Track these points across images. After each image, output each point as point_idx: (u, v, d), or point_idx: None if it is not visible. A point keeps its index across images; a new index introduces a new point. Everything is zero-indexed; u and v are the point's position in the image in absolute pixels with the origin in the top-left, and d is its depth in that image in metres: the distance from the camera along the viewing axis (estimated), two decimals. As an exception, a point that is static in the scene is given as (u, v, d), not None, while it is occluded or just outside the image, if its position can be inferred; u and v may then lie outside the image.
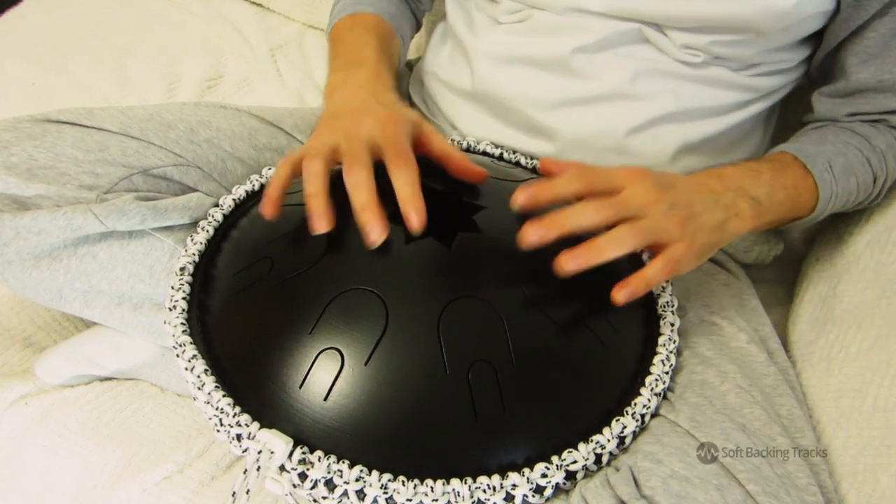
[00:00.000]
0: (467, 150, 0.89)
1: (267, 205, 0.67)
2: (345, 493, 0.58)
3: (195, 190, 0.78)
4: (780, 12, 0.73)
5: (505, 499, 0.58)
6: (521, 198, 0.63)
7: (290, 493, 0.59)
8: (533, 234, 0.61)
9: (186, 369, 0.63)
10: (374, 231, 0.61)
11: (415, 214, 0.62)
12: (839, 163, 0.77)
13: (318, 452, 0.58)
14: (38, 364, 0.84)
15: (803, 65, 0.85)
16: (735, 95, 0.83)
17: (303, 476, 0.58)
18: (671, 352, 0.68)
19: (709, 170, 0.73)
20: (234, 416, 0.60)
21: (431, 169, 0.76)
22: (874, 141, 0.80)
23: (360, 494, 0.57)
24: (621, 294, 0.64)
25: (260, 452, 0.57)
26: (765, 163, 0.77)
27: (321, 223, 0.63)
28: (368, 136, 0.67)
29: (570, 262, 0.61)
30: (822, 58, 0.84)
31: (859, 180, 0.78)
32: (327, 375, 0.59)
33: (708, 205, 0.67)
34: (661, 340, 0.69)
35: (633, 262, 0.76)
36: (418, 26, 1.06)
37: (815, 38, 0.82)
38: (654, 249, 0.66)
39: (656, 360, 0.67)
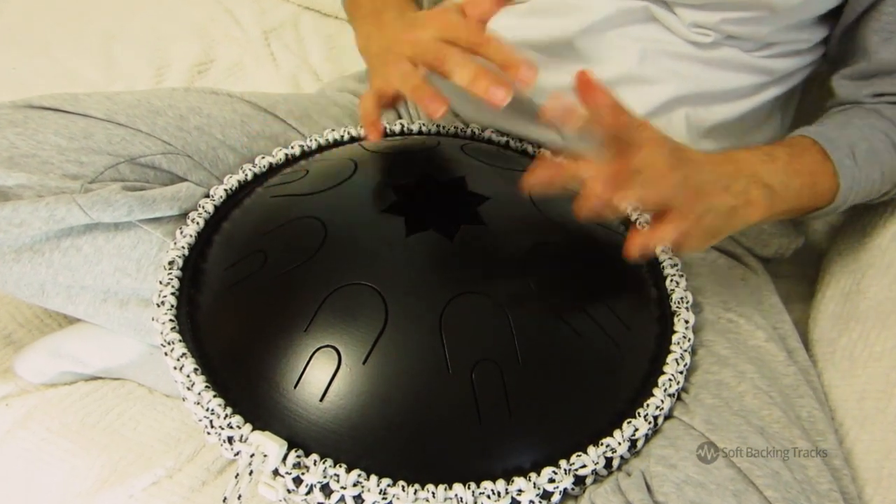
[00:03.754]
0: (471, 137, 0.88)
1: (371, 132, 0.75)
2: (342, 499, 0.58)
3: (185, 179, 0.78)
4: None
5: (510, 505, 0.58)
6: (532, 179, 0.61)
7: (285, 499, 0.59)
8: (539, 176, 0.60)
9: (175, 368, 0.63)
10: (499, 93, 0.63)
11: (524, 65, 0.64)
12: (863, 148, 0.75)
13: (314, 456, 0.58)
14: (19, 361, 0.84)
15: (821, 46, 0.85)
16: (748, 78, 0.82)
17: (297, 481, 0.58)
18: (685, 350, 0.68)
19: (723, 152, 0.72)
20: (225, 418, 0.60)
21: (434, 160, 0.76)
22: None
23: (358, 500, 0.57)
24: (632, 247, 0.62)
25: (252, 456, 0.57)
26: (781, 147, 0.75)
27: (440, 105, 0.66)
28: (431, 36, 0.69)
29: (583, 210, 0.59)
30: (840, 37, 0.83)
31: (885, 168, 0.77)
32: (323, 375, 0.59)
33: (719, 188, 0.65)
34: (674, 338, 0.69)
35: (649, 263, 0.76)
36: None
37: (833, 17, 0.82)
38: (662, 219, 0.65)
39: (670, 359, 0.67)
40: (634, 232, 0.62)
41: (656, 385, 0.65)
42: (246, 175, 0.79)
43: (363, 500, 0.57)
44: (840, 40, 0.83)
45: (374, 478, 0.57)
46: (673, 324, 0.70)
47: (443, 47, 0.67)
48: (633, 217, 0.80)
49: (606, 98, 0.61)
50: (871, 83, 0.81)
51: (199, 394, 0.61)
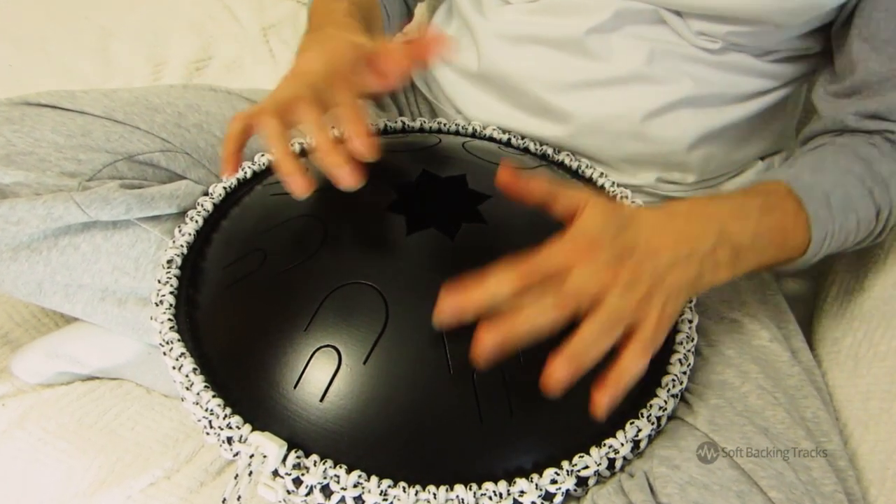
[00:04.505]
0: (473, 135, 0.88)
1: (225, 163, 0.66)
2: (342, 500, 0.58)
3: (183, 177, 0.78)
4: (794, 8, 0.73)
5: (512, 506, 0.58)
6: (444, 309, 0.56)
7: (284, 500, 0.59)
8: (486, 347, 0.55)
9: (174, 368, 0.63)
10: (344, 176, 0.60)
11: (358, 140, 0.61)
12: (838, 195, 0.71)
13: (314, 457, 0.58)
14: (16, 361, 0.84)
15: (826, 52, 0.84)
16: (755, 82, 0.82)
17: (297, 482, 0.58)
18: (689, 351, 0.68)
19: (692, 201, 0.68)
20: (224, 418, 0.60)
21: (435, 157, 0.76)
22: (877, 166, 0.74)
23: (359, 501, 0.57)
24: (602, 401, 0.57)
25: (252, 456, 0.57)
26: (755, 198, 0.70)
27: (299, 186, 0.61)
28: (314, 70, 0.67)
29: (560, 373, 0.55)
30: (836, 31, 0.79)
31: (860, 216, 0.72)
32: (323, 375, 0.59)
33: (679, 259, 0.61)
34: (678, 338, 0.69)
35: None
36: (409, 15, 1.04)
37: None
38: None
39: (673, 359, 0.67)
40: (597, 392, 0.57)
41: (659, 385, 0.65)
42: (245, 173, 0.79)
43: (364, 502, 0.57)
44: (836, 36, 0.80)
45: (374, 479, 0.57)
46: (676, 324, 0.70)
47: (305, 96, 0.64)
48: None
49: (533, 185, 0.61)
50: (855, 101, 0.77)
51: (198, 394, 0.61)
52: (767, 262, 0.70)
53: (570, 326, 0.62)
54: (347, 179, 0.60)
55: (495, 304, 0.56)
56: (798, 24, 0.76)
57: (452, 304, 0.56)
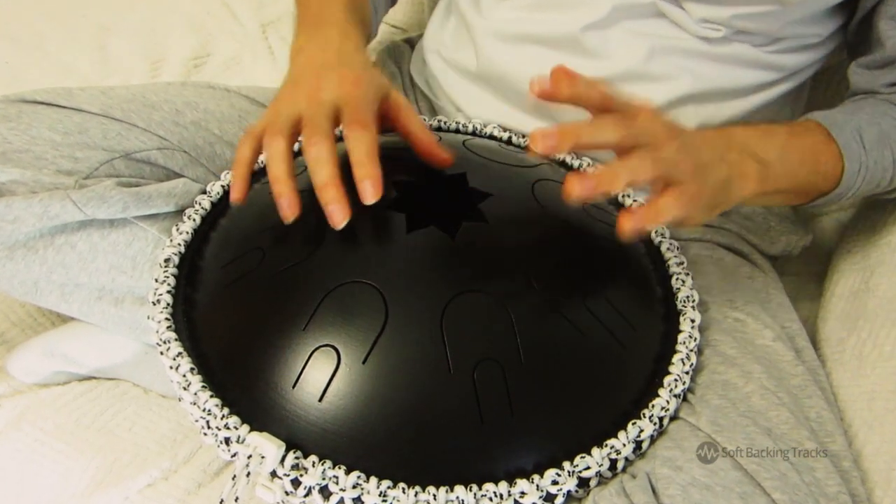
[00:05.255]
0: (473, 133, 0.88)
1: (234, 189, 0.67)
2: (341, 501, 0.58)
3: (181, 175, 0.78)
4: None
5: (513, 507, 0.58)
6: (576, 188, 0.56)
7: (283, 501, 0.59)
8: (545, 142, 0.56)
9: (171, 368, 0.63)
10: (337, 212, 0.61)
11: (369, 182, 0.61)
12: (871, 132, 0.74)
13: (313, 457, 0.58)
14: (12, 361, 0.85)
15: (830, 41, 0.85)
16: (758, 75, 0.82)
17: (296, 483, 0.58)
18: (691, 350, 0.68)
19: (717, 129, 0.70)
20: (222, 419, 0.60)
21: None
22: None
23: (358, 502, 0.57)
24: (628, 224, 0.58)
25: (250, 457, 0.57)
26: (782, 126, 0.74)
27: (288, 210, 0.62)
28: (331, 101, 0.66)
29: (578, 186, 0.56)
30: (856, 27, 0.82)
31: None
32: (322, 375, 0.59)
33: (713, 158, 0.64)
34: (680, 338, 0.69)
35: (649, 250, 0.76)
36: (393, 2, 1.05)
37: (844, 11, 0.82)
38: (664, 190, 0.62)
39: (676, 359, 0.67)
40: (627, 211, 0.59)
41: (662, 385, 0.65)
42: (243, 171, 0.79)
43: (363, 503, 0.57)
44: (856, 30, 0.83)
45: (373, 479, 0.57)
46: (678, 323, 0.70)
47: (324, 124, 0.65)
48: (626, 202, 0.80)
49: (585, 80, 0.61)
50: (886, 72, 0.81)
51: (196, 394, 0.61)
52: (802, 184, 0.72)
53: (574, 330, 0.63)
54: (336, 219, 0.61)
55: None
56: (804, 2, 0.76)
57: (557, 136, 0.57)
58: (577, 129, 0.57)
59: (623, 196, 0.82)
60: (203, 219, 0.74)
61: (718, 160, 0.64)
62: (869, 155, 0.73)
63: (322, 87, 0.68)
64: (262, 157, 0.79)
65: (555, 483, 0.59)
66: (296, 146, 0.81)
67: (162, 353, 0.65)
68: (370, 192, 0.61)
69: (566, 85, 0.59)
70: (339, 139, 0.75)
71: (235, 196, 0.67)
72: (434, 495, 0.57)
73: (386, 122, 0.71)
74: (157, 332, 0.66)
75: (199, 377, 0.62)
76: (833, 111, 0.78)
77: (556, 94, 0.59)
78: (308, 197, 0.65)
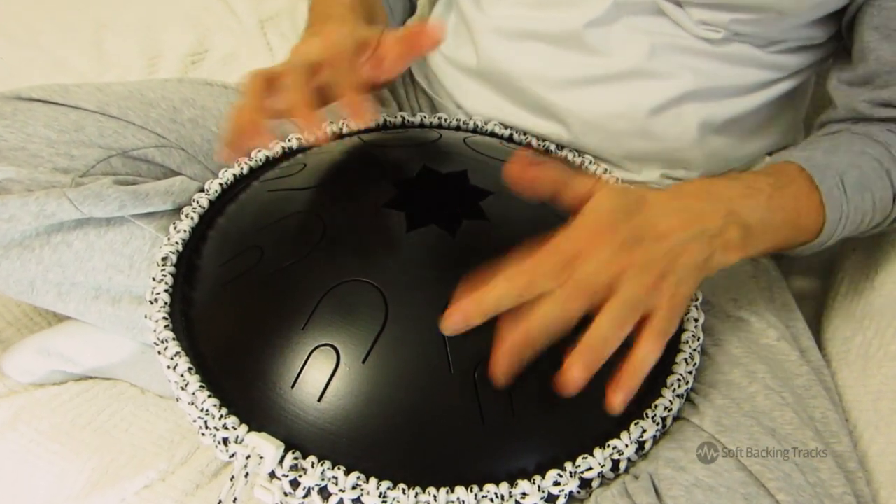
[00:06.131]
0: (474, 130, 0.89)
1: (234, 136, 0.67)
2: (340, 502, 0.58)
3: (179, 173, 0.78)
4: None
5: (514, 508, 0.58)
6: (451, 319, 0.57)
7: (281, 502, 0.59)
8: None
9: (169, 368, 0.63)
10: (308, 129, 0.63)
11: (353, 108, 0.64)
12: (852, 176, 0.71)
13: (312, 458, 0.58)
14: (7, 360, 0.85)
15: (831, 42, 0.84)
16: (759, 74, 0.82)
17: (295, 483, 0.58)
18: (695, 350, 0.68)
19: (700, 181, 0.69)
20: (220, 419, 0.60)
21: (435, 153, 0.76)
22: (895, 150, 0.74)
23: (357, 503, 0.57)
24: (618, 399, 0.57)
25: (248, 458, 0.57)
26: (765, 178, 0.70)
27: (309, 134, 0.64)
28: (313, 52, 0.70)
29: (576, 371, 0.56)
30: (845, 31, 0.81)
31: (876, 196, 0.73)
32: (321, 374, 0.59)
33: (690, 239, 0.60)
34: (683, 337, 0.69)
35: None
36: (412, 9, 1.05)
37: (843, 14, 0.81)
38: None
39: (679, 358, 0.67)
40: (612, 390, 0.57)
41: (665, 385, 0.65)
42: (242, 169, 0.79)
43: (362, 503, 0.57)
44: (846, 35, 0.81)
45: (373, 480, 0.57)
46: (682, 322, 0.70)
47: (299, 66, 0.68)
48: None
49: (546, 169, 0.62)
50: (867, 90, 0.78)
51: (194, 394, 0.61)
52: (782, 243, 0.71)
53: (580, 323, 0.62)
54: (310, 134, 0.64)
55: (504, 308, 0.56)
56: (802, 12, 0.76)
57: (459, 313, 0.57)
58: (525, 326, 0.56)
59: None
60: (201, 217, 0.74)
61: (696, 239, 0.61)
62: (850, 202, 0.71)
63: (307, 45, 0.73)
64: (259, 155, 0.80)
65: (556, 484, 0.59)
66: (296, 144, 0.81)
67: (159, 353, 0.65)
68: (363, 120, 0.65)
69: (476, 303, 0.57)
70: (340, 136, 0.75)
71: (248, 139, 0.66)
72: (434, 496, 0.57)
73: (375, 57, 0.73)
74: (155, 331, 0.65)
75: (196, 377, 0.62)
76: (813, 150, 0.74)
77: (471, 322, 0.58)
78: (307, 195, 0.65)
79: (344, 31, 0.73)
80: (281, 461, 0.58)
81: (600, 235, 0.58)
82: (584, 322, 0.57)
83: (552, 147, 0.87)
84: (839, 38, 0.84)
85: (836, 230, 0.71)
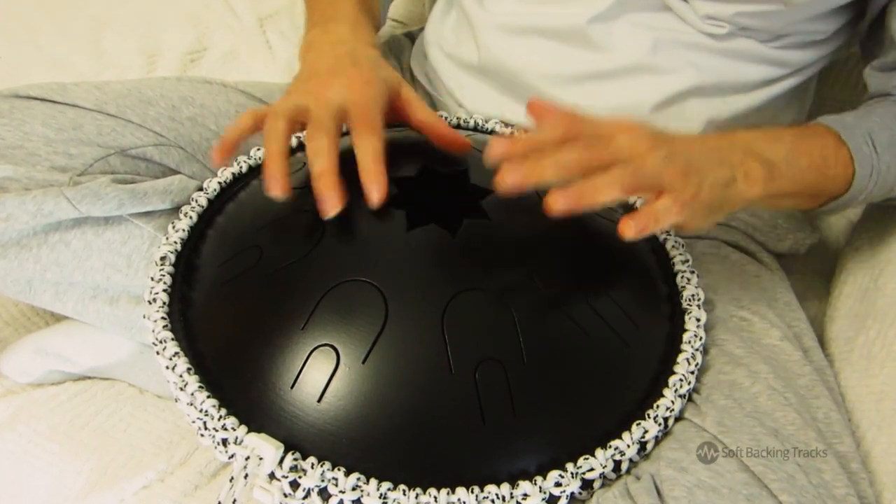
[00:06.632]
0: (474, 128, 0.88)
1: (217, 152, 0.68)
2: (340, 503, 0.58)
3: (177, 172, 0.78)
4: None
5: (515, 509, 0.58)
6: (495, 149, 0.59)
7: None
8: (509, 176, 0.57)
9: (167, 368, 0.63)
10: (329, 202, 0.62)
11: (375, 187, 0.63)
12: (883, 136, 0.73)
13: (311, 459, 0.58)
14: (4, 360, 0.85)
15: (837, 38, 0.84)
16: (763, 70, 0.82)
17: (294, 484, 0.58)
18: (697, 350, 0.68)
19: (718, 132, 0.70)
20: (219, 419, 0.60)
21: (435, 152, 0.76)
22: None
23: (357, 504, 0.58)
24: (629, 227, 0.59)
25: (248, 459, 0.57)
26: (788, 129, 0.73)
27: (270, 183, 0.64)
28: (339, 102, 0.68)
29: (558, 201, 0.57)
30: (868, 27, 0.82)
31: None
32: (321, 375, 0.59)
33: (711, 161, 0.63)
34: (686, 337, 0.69)
35: (654, 247, 0.76)
36: None
37: (850, 9, 0.82)
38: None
39: (681, 358, 0.67)
40: (628, 216, 0.60)
41: (666, 385, 0.65)
42: (241, 167, 0.79)
43: (362, 505, 0.57)
44: (868, 32, 0.83)
45: (373, 481, 0.57)
46: (684, 322, 0.70)
47: (327, 121, 0.66)
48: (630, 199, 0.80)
49: (559, 111, 0.62)
50: None
51: (192, 394, 0.61)
52: (811, 187, 0.72)
53: (577, 329, 0.62)
54: (327, 207, 0.63)
55: (540, 147, 0.59)
56: (807, 3, 0.76)
57: (502, 143, 0.58)
58: (542, 158, 0.58)
59: None
60: (199, 216, 0.74)
61: (717, 163, 0.63)
62: (881, 159, 0.72)
63: (332, 86, 0.70)
64: (258, 154, 0.80)
65: (558, 485, 0.58)
66: (295, 143, 0.81)
67: (158, 353, 0.65)
68: (376, 198, 0.63)
69: (524, 138, 0.59)
70: (345, 133, 0.75)
71: (221, 157, 0.68)
72: (435, 497, 0.57)
73: (398, 116, 0.72)
74: (153, 331, 0.65)
75: (195, 377, 0.62)
76: (843, 115, 0.76)
77: (515, 153, 0.59)
78: (306, 194, 0.65)
79: (371, 75, 0.72)
80: (280, 462, 0.58)
81: (634, 128, 0.61)
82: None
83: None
84: (844, 34, 0.84)
85: (866, 185, 0.73)
